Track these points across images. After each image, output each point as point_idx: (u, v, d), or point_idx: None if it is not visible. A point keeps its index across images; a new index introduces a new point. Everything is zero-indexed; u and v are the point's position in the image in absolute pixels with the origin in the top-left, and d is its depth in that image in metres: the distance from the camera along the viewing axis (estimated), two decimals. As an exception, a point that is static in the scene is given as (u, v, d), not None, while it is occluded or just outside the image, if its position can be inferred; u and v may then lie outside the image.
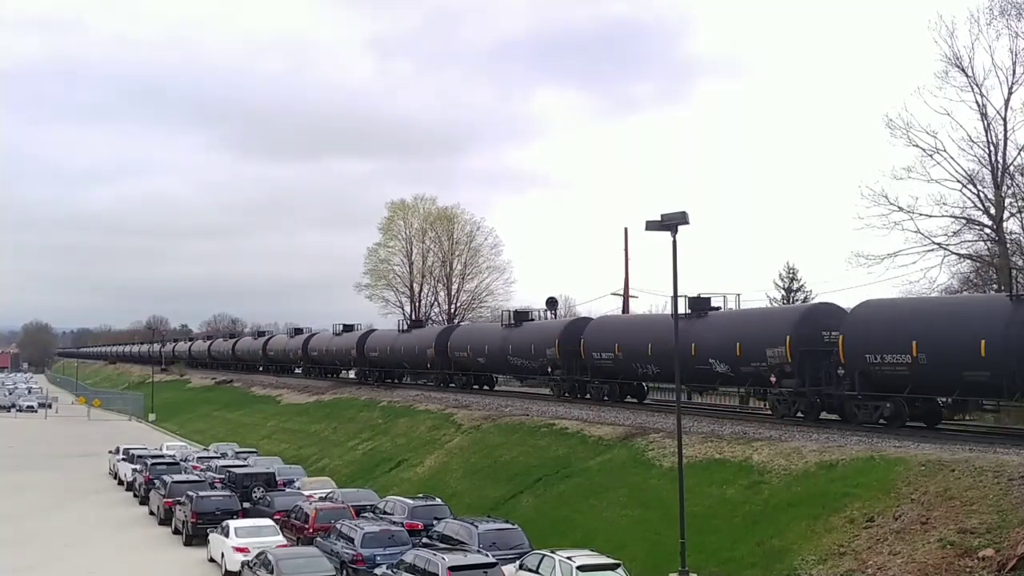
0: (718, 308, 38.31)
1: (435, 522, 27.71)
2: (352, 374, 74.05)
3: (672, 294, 23.69)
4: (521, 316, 51.99)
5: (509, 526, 25.86)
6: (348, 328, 74.91)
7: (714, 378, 36.71)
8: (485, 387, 56.41)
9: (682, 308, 35.72)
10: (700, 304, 38.00)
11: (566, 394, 45.82)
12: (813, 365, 31.71)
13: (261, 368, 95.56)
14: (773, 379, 33.05)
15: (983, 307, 28.46)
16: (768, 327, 33.39)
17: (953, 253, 45.68)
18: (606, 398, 42.80)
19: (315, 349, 79.77)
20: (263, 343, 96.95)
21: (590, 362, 43.14)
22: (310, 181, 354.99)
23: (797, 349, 31.84)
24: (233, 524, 29.33)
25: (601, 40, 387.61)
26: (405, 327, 65.13)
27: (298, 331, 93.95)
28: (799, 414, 32.74)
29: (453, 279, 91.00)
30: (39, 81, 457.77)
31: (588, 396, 44.03)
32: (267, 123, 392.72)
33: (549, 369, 47.06)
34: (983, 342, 25.89)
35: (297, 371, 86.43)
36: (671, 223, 22.08)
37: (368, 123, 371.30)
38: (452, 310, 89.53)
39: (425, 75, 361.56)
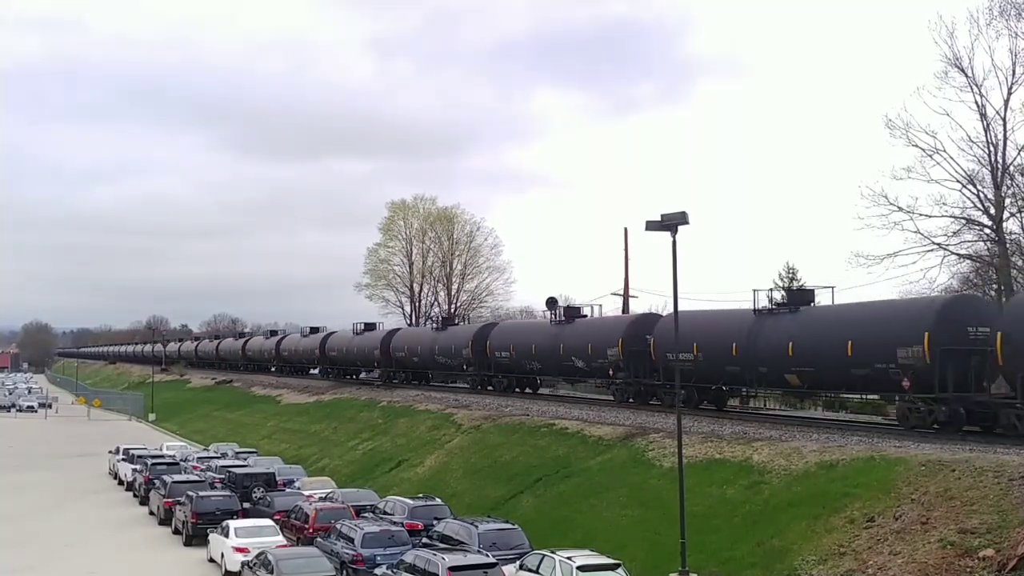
0: (585, 316, 47.00)
1: (435, 522, 27.71)
2: (317, 371, 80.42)
3: (672, 294, 23.71)
4: (447, 321, 60.13)
5: (509, 526, 25.86)
6: (315, 330, 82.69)
7: (575, 372, 45.59)
8: (423, 382, 62.61)
9: (560, 316, 47.35)
10: (571, 313, 47.45)
11: (478, 386, 53.12)
12: (637, 362, 40.33)
13: (242, 367, 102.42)
14: (611, 372, 41.66)
15: (736, 318, 36.44)
16: (608, 332, 42.09)
17: (953, 253, 45.71)
18: (505, 389, 50.71)
19: (286, 349, 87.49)
20: (242, 344, 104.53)
21: (494, 359, 51.02)
22: (310, 181, 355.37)
23: (627, 349, 40.39)
24: (233, 524, 29.32)
25: (601, 40, 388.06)
26: (359, 330, 70.89)
27: (273, 333, 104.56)
28: (630, 400, 40.90)
29: (453, 279, 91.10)
30: (39, 81, 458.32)
31: (492, 388, 51.81)
32: (267, 123, 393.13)
33: (464, 366, 54.28)
34: (735, 344, 34.72)
35: (272, 369, 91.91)
36: (671, 223, 22.08)
37: (368, 123, 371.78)
38: (452, 310, 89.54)
39: (425, 75, 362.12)
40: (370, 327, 71.04)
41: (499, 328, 53.13)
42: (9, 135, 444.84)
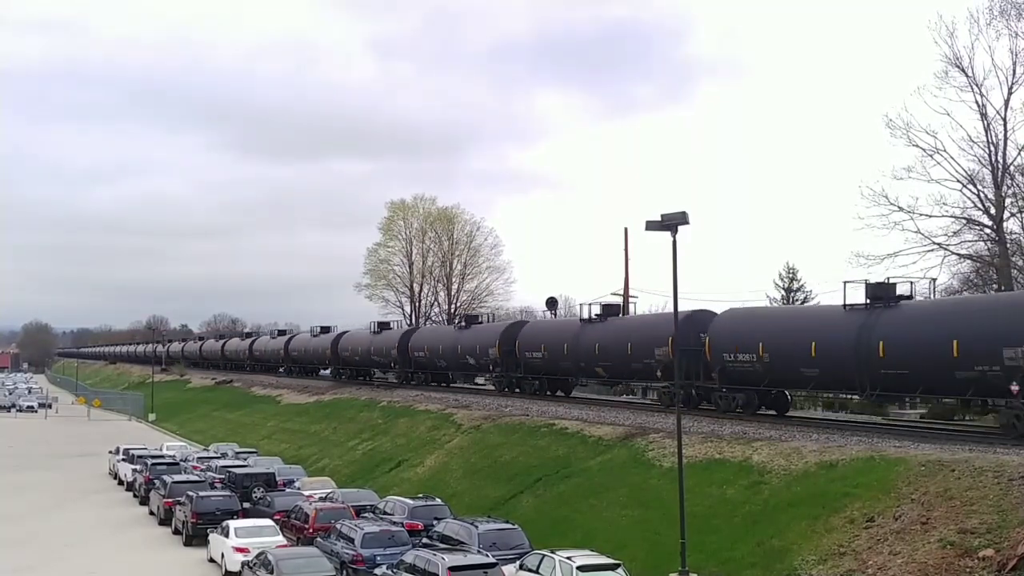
0: (481, 323, 57.25)
1: (435, 522, 27.70)
2: (282, 370, 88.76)
3: (672, 294, 23.72)
4: (383, 325, 69.08)
5: (509, 526, 25.85)
6: (282, 333, 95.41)
7: (469, 367, 55.81)
8: (367, 378, 70.47)
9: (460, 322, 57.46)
10: (470, 319, 57.89)
11: (403, 381, 62.37)
12: (507, 359, 49.81)
13: (221, 366, 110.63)
14: (491, 368, 51.71)
15: (567, 325, 48.25)
16: (490, 336, 51.73)
17: (953, 253, 45.71)
18: (423, 383, 60.17)
19: (257, 350, 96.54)
20: (221, 345, 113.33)
21: (414, 357, 60.80)
22: (310, 181, 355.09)
23: (501, 349, 49.97)
24: (233, 524, 29.32)
25: (602, 41, 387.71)
26: (316, 333, 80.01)
27: (248, 335, 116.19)
28: (506, 389, 50.55)
29: (453, 279, 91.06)
30: (40, 81, 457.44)
31: (414, 382, 61.09)
32: (268, 123, 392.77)
33: (392, 364, 63.96)
34: (565, 345, 44.94)
35: (247, 368, 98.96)
36: (671, 223, 22.07)
37: (369, 123, 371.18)
38: (452, 310, 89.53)
39: (426, 76, 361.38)
40: (325, 330, 79.19)
41: (417, 333, 63.53)
42: (10, 135, 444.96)
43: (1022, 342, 25.73)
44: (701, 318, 38.07)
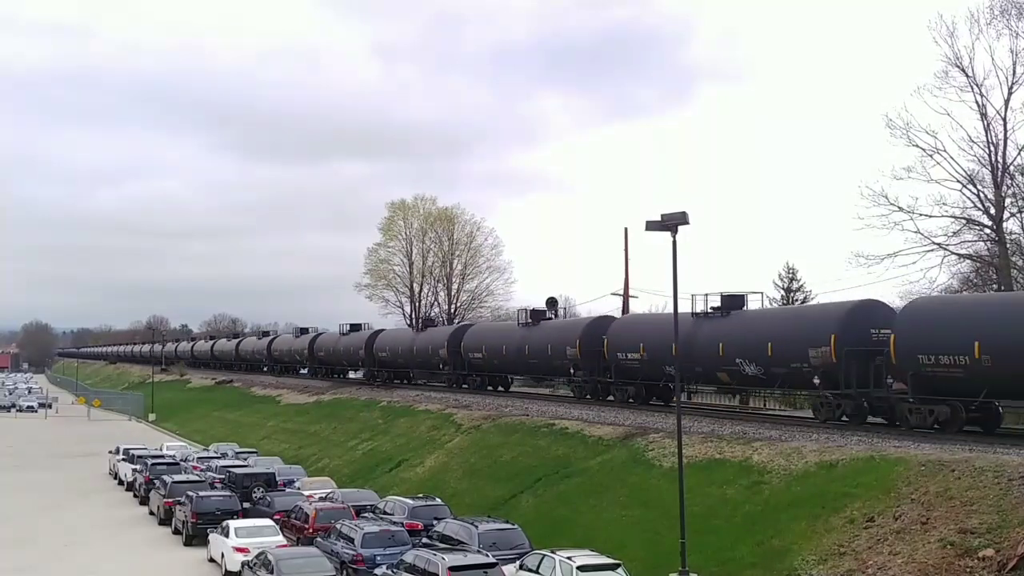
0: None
1: (435, 522, 27.71)
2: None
3: (672, 294, 23.69)
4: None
5: (509, 526, 25.87)
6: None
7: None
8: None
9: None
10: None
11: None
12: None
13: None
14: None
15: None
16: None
17: (953, 253, 45.73)
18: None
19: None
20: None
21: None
22: (313, 183, 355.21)
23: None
24: (233, 524, 29.33)
25: (604, 45, 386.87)
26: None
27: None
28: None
29: (453, 279, 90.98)
30: (45, 84, 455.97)
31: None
32: (270, 126, 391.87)
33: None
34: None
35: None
36: (671, 223, 22.07)
37: (372, 126, 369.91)
38: (452, 310, 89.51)
39: (429, 79, 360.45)
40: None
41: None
42: (14, 137, 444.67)
43: None
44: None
